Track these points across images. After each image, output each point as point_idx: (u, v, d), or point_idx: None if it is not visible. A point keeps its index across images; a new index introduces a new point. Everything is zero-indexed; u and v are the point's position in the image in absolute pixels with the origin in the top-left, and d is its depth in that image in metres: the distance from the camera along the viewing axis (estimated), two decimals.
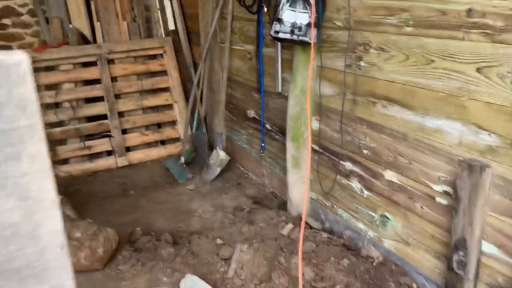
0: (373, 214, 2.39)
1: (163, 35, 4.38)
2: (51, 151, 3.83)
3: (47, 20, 4.18)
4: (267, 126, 3.32)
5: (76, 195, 3.44)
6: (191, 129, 4.09)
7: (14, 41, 4.23)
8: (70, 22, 4.19)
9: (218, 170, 3.67)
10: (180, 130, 4.27)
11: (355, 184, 2.49)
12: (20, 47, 4.24)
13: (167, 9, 4.32)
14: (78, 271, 2.33)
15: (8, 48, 4.19)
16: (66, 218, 2.69)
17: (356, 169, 2.46)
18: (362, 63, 2.27)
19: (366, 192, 2.41)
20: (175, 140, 4.31)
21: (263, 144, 3.39)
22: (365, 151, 2.36)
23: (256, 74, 3.28)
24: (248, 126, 3.64)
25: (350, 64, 2.34)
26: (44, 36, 4.21)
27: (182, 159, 3.90)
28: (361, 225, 2.50)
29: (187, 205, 3.25)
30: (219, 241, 2.60)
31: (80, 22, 4.21)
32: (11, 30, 4.20)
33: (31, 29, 4.27)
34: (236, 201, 3.27)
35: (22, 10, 4.20)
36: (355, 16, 2.25)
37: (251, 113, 3.53)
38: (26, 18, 4.22)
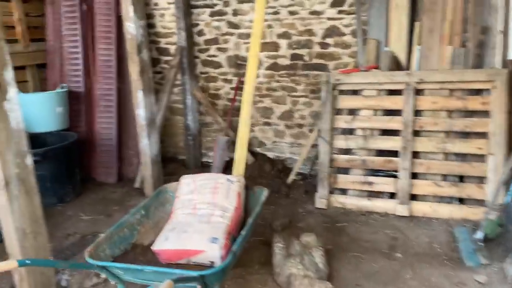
0: None
1: (499, 65, 3.36)
2: (331, 177, 3.65)
3: (365, 42, 3.99)
4: None
5: (340, 234, 3.11)
6: (507, 195, 2.97)
7: (331, 61, 4.26)
8: (386, 45, 3.84)
9: None
10: (489, 191, 3.20)
11: None
12: (336, 67, 4.24)
13: None
14: None
15: (324, 67, 4.28)
16: (311, 265, 2.38)
17: None
18: None
19: None
20: (479, 202, 3.27)
21: None
22: None
23: None
24: None
25: None
26: (359, 57, 4.05)
27: (480, 233, 2.88)
28: None
29: None
30: None
31: (397, 45, 3.78)
32: (331, 49, 4.25)
33: (350, 49, 4.19)
34: None
35: (346, 30, 4.17)
36: None
37: None
38: (347, 38, 4.17)
